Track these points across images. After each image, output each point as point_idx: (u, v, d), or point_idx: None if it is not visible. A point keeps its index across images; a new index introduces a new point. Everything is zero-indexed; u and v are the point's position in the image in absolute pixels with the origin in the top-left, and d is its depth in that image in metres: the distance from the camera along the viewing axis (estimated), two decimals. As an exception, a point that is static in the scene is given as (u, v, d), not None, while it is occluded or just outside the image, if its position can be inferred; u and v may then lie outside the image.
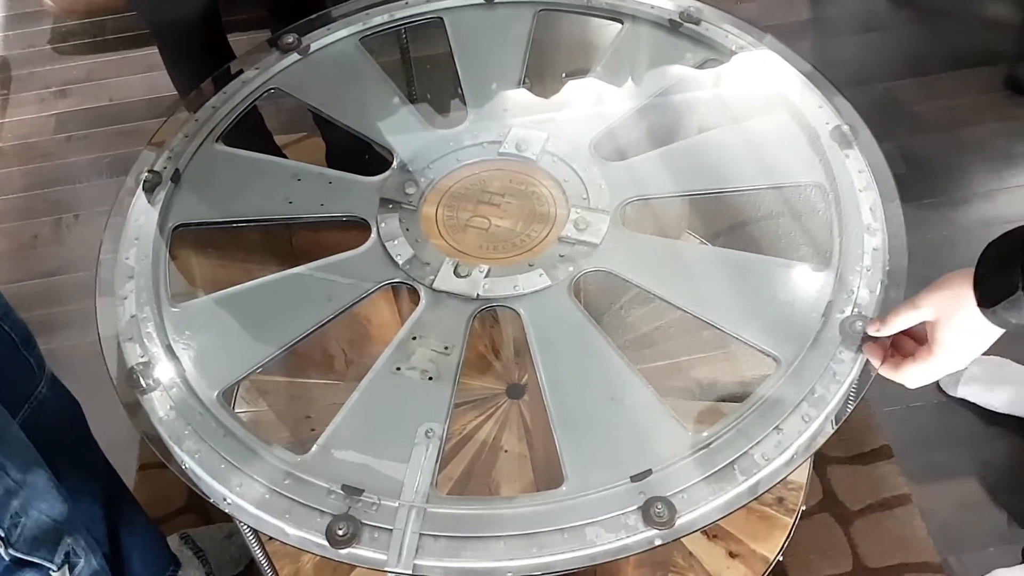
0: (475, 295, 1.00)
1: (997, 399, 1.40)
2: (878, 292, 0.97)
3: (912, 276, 1.56)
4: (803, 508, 1.27)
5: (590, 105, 1.18)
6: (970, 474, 1.36)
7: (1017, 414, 1.39)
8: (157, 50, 1.58)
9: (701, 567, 1.23)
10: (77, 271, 1.76)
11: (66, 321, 1.68)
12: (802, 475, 1.29)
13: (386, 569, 0.83)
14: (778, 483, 0.86)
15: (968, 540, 1.30)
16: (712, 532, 1.26)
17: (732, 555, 1.23)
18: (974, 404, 1.42)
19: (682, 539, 1.25)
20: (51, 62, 2.17)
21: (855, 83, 1.89)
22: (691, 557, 1.23)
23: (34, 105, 2.08)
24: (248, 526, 1.02)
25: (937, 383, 1.45)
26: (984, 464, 1.37)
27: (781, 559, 1.23)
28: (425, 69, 1.35)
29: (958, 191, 1.73)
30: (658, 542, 0.84)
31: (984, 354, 1.40)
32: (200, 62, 1.33)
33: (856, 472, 1.37)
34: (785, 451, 0.87)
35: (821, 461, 1.37)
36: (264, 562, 1.12)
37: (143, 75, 2.07)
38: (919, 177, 1.75)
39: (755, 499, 0.85)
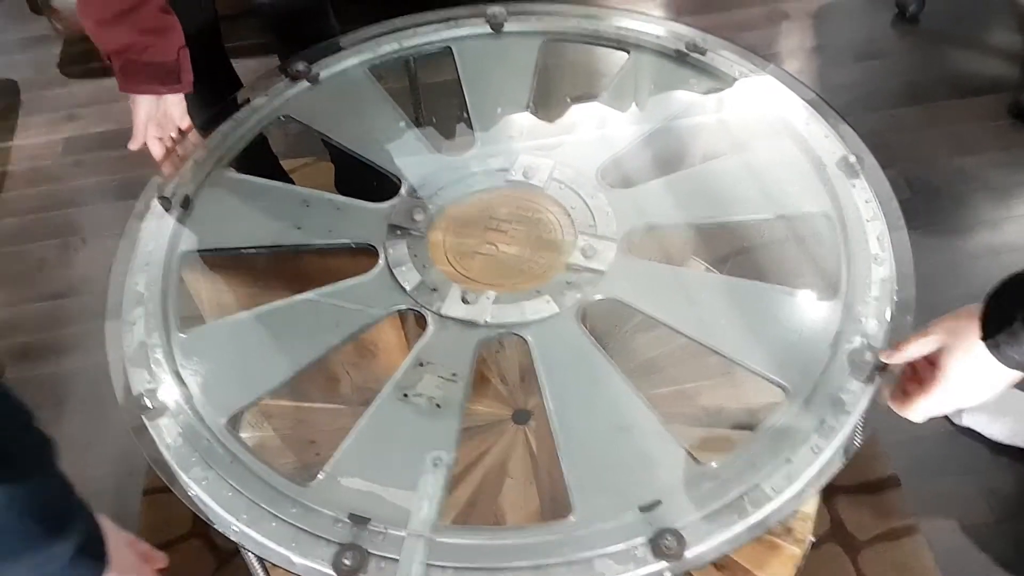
0: (482, 322, 1.00)
1: (999, 430, 1.40)
2: (887, 322, 0.97)
3: (918, 302, 1.56)
4: (812, 540, 1.26)
5: (596, 132, 1.19)
6: (977, 502, 1.36)
7: (1019, 445, 1.39)
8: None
9: (708, 597, 1.22)
10: (83, 294, 1.76)
11: (71, 344, 1.68)
12: (811, 505, 1.28)
13: (393, 599, 0.82)
14: (788, 515, 0.85)
15: (975, 568, 1.29)
16: (720, 562, 1.25)
17: (740, 585, 1.22)
18: (980, 433, 1.41)
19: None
20: (60, 85, 2.19)
21: (859, 110, 1.90)
22: (698, 586, 1.22)
23: (43, 128, 2.09)
24: (254, 555, 1.02)
25: (944, 412, 1.45)
26: (991, 492, 1.36)
27: (789, 589, 1.22)
28: (433, 96, 1.36)
29: (963, 219, 1.73)
30: (667, 574, 0.83)
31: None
32: (201, 86, 1.34)
33: (864, 502, 1.36)
34: (795, 483, 0.87)
35: (829, 490, 1.37)
36: None
37: (151, 99, 2.08)
38: (924, 204, 1.76)
39: (767, 531, 0.84)
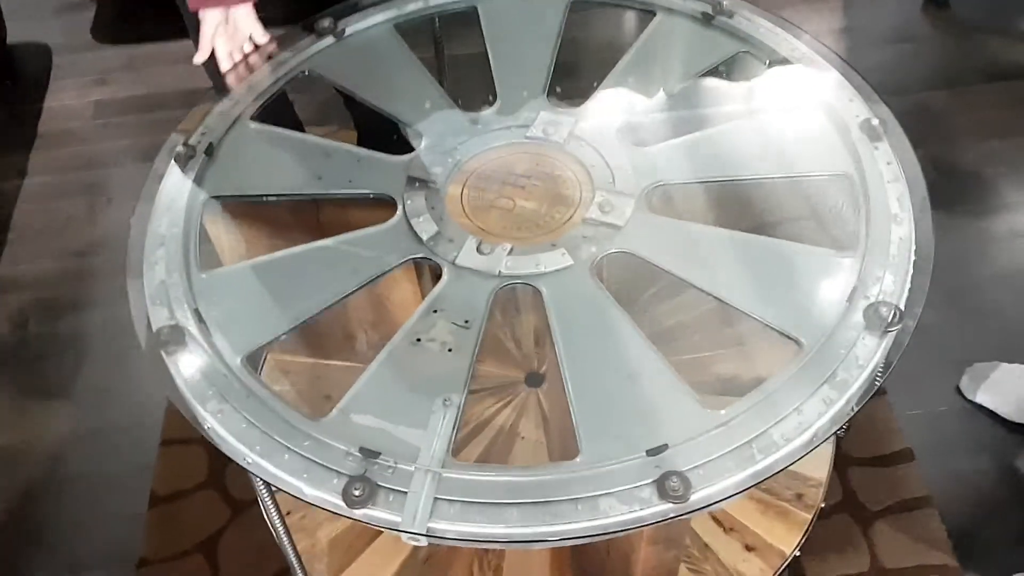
0: (497, 272, 1.01)
1: (1012, 409, 1.39)
2: (904, 279, 0.97)
3: (941, 282, 1.54)
4: (822, 505, 1.26)
5: (620, 92, 1.19)
6: (991, 478, 1.35)
7: (1025, 422, 1.38)
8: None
9: (717, 559, 1.22)
10: (106, 252, 1.79)
11: (93, 299, 1.71)
12: (822, 471, 1.28)
13: (400, 530, 0.83)
14: (798, 460, 0.85)
15: (988, 543, 1.28)
16: (729, 525, 1.25)
17: (748, 548, 1.22)
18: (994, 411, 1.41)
19: (698, 532, 1.25)
20: (91, 50, 2.22)
21: (888, 92, 1.85)
22: (707, 549, 1.22)
23: (74, 91, 2.13)
24: (266, 490, 1.03)
25: (958, 387, 1.44)
26: (1006, 469, 1.35)
27: (798, 555, 1.21)
28: (457, 60, 1.36)
29: (989, 201, 1.72)
30: (671, 514, 0.84)
31: (1010, 362, 1.40)
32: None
33: (877, 474, 1.36)
34: (805, 432, 0.87)
35: (842, 462, 1.36)
36: (282, 532, 1.12)
37: (180, 66, 2.10)
38: (950, 185, 1.74)
39: (773, 476, 0.85)
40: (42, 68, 2.19)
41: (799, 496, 1.26)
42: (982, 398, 1.42)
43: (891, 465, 1.37)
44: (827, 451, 1.31)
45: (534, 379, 1.39)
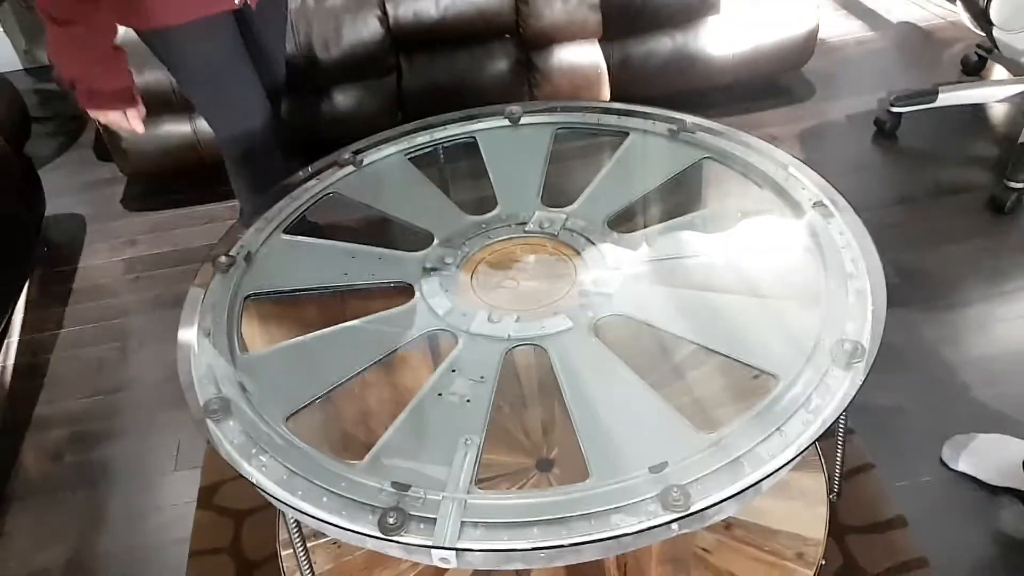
0: (506, 336, 1.14)
1: (992, 473, 1.48)
2: (862, 322, 1.10)
3: (917, 369, 1.68)
4: (822, 563, 1.32)
5: (603, 192, 1.37)
6: (980, 538, 1.41)
7: (1014, 486, 1.46)
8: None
9: (727, 616, 1.27)
10: (137, 388, 1.91)
11: (124, 430, 1.81)
12: (819, 531, 1.35)
13: (432, 546, 0.91)
14: (784, 467, 0.95)
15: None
16: (736, 582, 1.31)
17: (757, 605, 1.27)
18: (976, 478, 1.49)
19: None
20: (121, 218, 2.44)
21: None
22: (716, 606, 1.28)
23: (106, 253, 2.32)
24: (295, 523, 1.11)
25: (940, 458, 1.53)
26: (993, 529, 1.42)
27: (805, 611, 1.26)
28: (461, 180, 1.55)
29: (950, 297, 1.87)
30: (675, 526, 0.93)
31: (984, 432, 1.51)
32: (260, 166, 1.58)
33: (874, 540, 1.42)
34: (788, 448, 0.98)
35: (840, 531, 1.43)
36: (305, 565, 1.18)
37: (204, 225, 2.31)
38: (912, 286, 1.90)
39: (760, 483, 0.94)
40: (77, 235, 2.40)
41: (800, 555, 1.33)
42: (963, 466, 1.51)
43: (886, 531, 1.44)
44: (822, 513, 1.38)
45: (544, 465, 1.48)
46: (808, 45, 2.48)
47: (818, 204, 1.28)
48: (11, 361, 2.03)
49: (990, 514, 1.45)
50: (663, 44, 2.42)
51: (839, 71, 2.66)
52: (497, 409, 1.46)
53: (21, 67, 3.22)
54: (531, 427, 1.55)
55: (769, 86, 2.58)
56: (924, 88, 2.29)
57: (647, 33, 2.40)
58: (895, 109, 2.30)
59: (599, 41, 2.38)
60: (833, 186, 1.34)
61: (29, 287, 2.19)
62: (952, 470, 1.52)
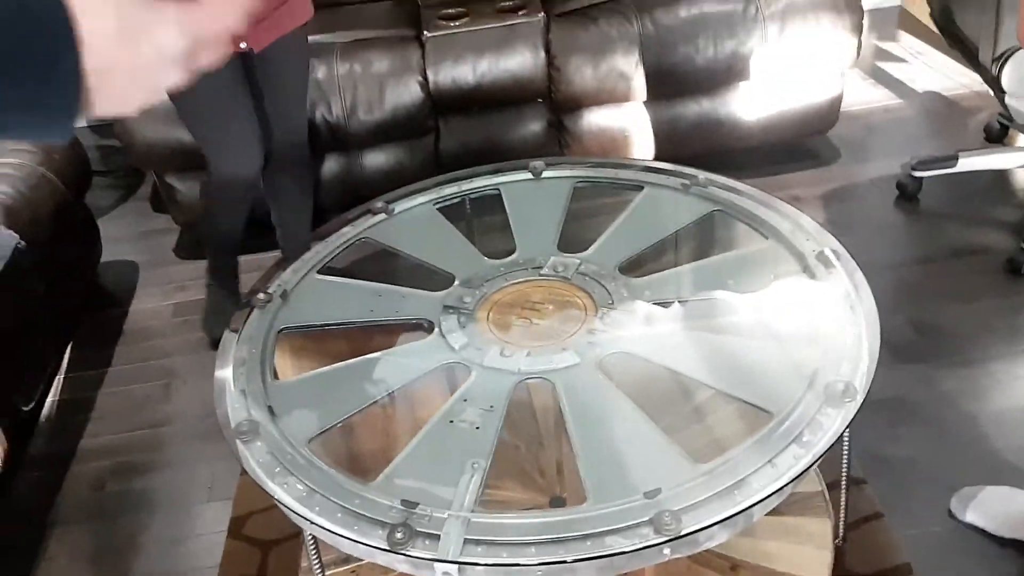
0: (517, 370, 1.21)
1: (1000, 525, 1.49)
2: (856, 363, 1.16)
3: (928, 421, 1.70)
4: (828, 606, 1.35)
5: (616, 240, 1.45)
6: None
7: (1020, 538, 1.47)
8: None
9: (730, 654, 1.30)
10: (179, 423, 2.00)
11: (165, 463, 1.91)
12: (823, 575, 1.38)
13: (436, 559, 0.98)
14: (772, 496, 1.00)
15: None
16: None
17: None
18: (983, 529, 1.51)
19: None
20: (173, 265, 2.58)
21: (866, 268, 2.13)
22: (720, 645, 1.30)
23: (156, 297, 2.45)
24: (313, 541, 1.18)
25: (949, 509, 1.55)
26: (1003, 578, 1.44)
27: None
28: (485, 227, 1.65)
29: (967, 353, 1.90)
30: (666, 550, 0.98)
31: (994, 484, 1.54)
32: (244, 211, 1.91)
33: (882, 588, 1.44)
34: (778, 480, 1.03)
35: (847, 577, 1.46)
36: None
37: (251, 274, 2.43)
38: (929, 342, 1.93)
39: (750, 509, 0.99)
40: (130, 280, 2.54)
41: (806, 597, 1.35)
42: (971, 518, 1.52)
43: (895, 579, 1.46)
44: (827, 557, 1.41)
45: (557, 502, 1.53)
46: (832, 111, 2.55)
47: (820, 254, 1.35)
48: (60, 396, 2.15)
49: (997, 565, 1.46)
50: (691, 108, 2.52)
51: (865, 137, 2.72)
52: (514, 448, 1.54)
53: (85, 124, 3.43)
54: (546, 466, 1.60)
55: (795, 149, 2.65)
56: (945, 154, 2.34)
57: (676, 98, 2.50)
58: (916, 173, 2.36)
59: (628, 104, 2.49)
60: (838, 239, 1.40)
61: (82, 327, 2.32)
62: (960, 521, 1.53)
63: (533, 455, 1.60)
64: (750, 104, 2.50)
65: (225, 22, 0.55)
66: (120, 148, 2.56)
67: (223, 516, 1.72)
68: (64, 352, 2.21)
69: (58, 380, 2.18)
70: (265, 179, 2.05)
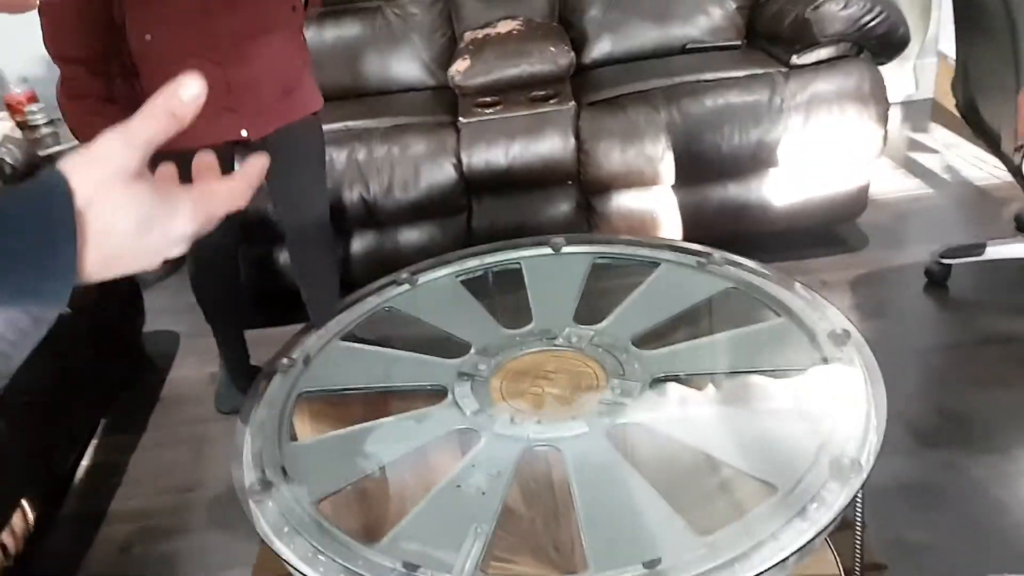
0: (526, 437, 1.23)
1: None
2: (863, 440, 1.16)
3: (955, 508, 1.67)
4: None
5: (631, 313, 1.48)
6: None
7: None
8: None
9: None
10: (206, 488, 2.04)
11: (192, 526, 1.94)
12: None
13: (433, 620, 0.99)
14: (771, 569, 1.00)
15: None
16: None
17: None
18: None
19: None
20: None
21: (894, 353, 2.12)
22: None
23: (195, 367, 2.53)
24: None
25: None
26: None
27: None
28: (504, 299, 1.69)
29: (994, 440, 1.86)
30: (664, 619, 0.98)
31: (1020, 574, 1.50)
32: (222, 281, 2.07)
33: None
34: (780, 553, 1.02)
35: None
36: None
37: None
38: (955, 428, 1.90)
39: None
40: (170, 349, 2.63)
41: None
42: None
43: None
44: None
45: (571, 578, 1.52)
46: (860, 199, 2.58)
47: (832, 333, 1.36)
48: (95, 459, 2.21)
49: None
50: (718, 193, 2.57)
51: (894, 224, 2.74)
52: (530, 522, 1.54)
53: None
54: (562, 541, 1.60)
55: (823, 235, 2.68)
56: (973, 242, 2.35)
57: (703, 183, 2.56)
58: (945, 261, 2.36)
59: (655, 188, 2.55)
60: (865, 324, 1.42)
61: (121, 393, 2.40)
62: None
63: (550, 530, 1.60)
64: (777, 190, 2.54)
65: (235, 204, 0.61)
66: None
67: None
68: (102, 417, 2.28)
69: (94, 444, 2.25)
70: (291, 256, 2.15)
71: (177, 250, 0.58)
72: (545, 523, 1.60)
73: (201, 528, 1.93)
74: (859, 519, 1.33)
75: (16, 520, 1.74)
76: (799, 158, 2.50)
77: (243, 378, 2.26)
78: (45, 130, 2.81)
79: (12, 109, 2.83)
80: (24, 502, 1.76)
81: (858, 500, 1.32)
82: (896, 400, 1.96)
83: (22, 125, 2.71)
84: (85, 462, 2.18)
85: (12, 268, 0.50)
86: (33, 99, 2.86)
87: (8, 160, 2.25)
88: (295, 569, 1.09)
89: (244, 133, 1.86)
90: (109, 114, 1.75)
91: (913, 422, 1.91)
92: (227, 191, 0.61)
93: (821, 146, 2.48)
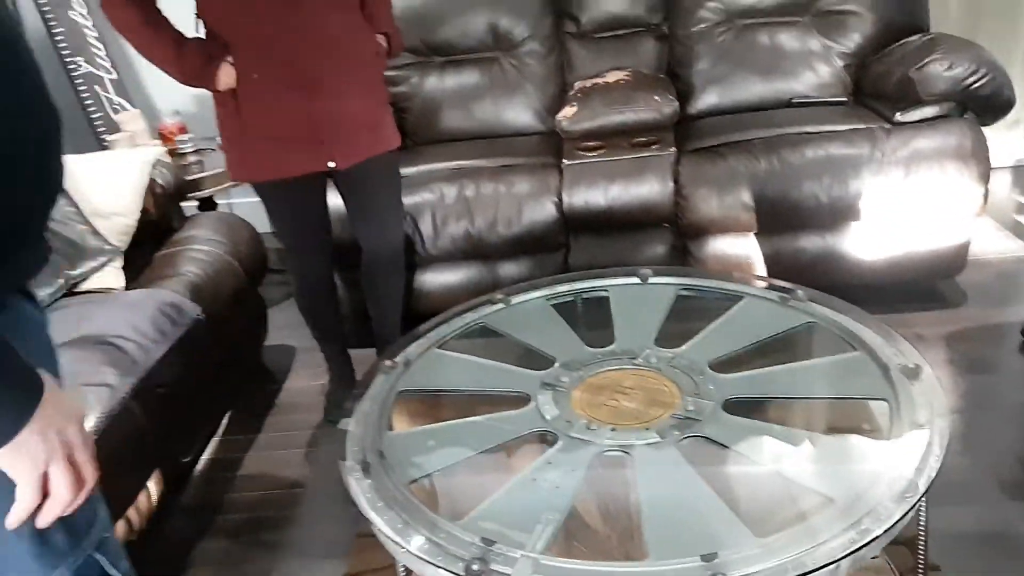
0: (600, 442, 1.34)
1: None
2: (922, 464, 1.21)
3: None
4: None
5: (711, 341, 1.57)
6: None
7: None
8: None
9: None
10: (311, 487, 2.21)
11: (293, 519, 2.10)
12: None
13: (503, 590, 1.10)
14: (820, 570, 1.07)
15: None
16: None
17: None
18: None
19: None
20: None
21: (980, 406, 2.11)
22: None
23: (309, 378, 2.73)
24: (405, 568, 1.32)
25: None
26: None
27: None
28: (590, 322, 1.80)
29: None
30: (717, 608, 1.06)
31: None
32: (323, 304, 2.34)
33: None
34: (832, 559, 1.09)
35: None
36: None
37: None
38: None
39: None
40: (287, 362, 2.84)
41: None
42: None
43: None
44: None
45: None
46: (959, 257, 2.57)
47: (904, 367, 1.41)
48: (214, 455, 2.42)
49: None
50: (814, 242, 2.61)
51: (994, 283, 2.71)
52: (606, 538, 1.63)
53: (268, 230, 3.90)
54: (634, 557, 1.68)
55: (920, 290, 2.68)
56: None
57: (799, 232, 2.61)
58: (1045, 319, 2.34)
59: (752, 234, 2.61)
60: (958, 378, 1.46)
61: (241, 397, 2.62)
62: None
63: (623, 548, 1.68)
64: (873, 243, 2.57)
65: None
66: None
67: (338, 572, 1.87)
68: (223, 416, 2.49)
69: (214, 441, 2.46)
70: (363, 278, 2.36)
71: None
72: (620, 541, 1.69)
73: (304, 522, 2.09)
74: (921, 544, 1.37)
75: (142, 499, 1.94)
76: (898, 213, 2.52)
77: (347, 391, 2.44)
78: (192, 158, 3.12)
79: (164, 137, 3.16)
80: (150, 484, 1.96)
81: (920, 523, 1.36)
82: (985, 452, 1.97)
83: (172, 152, 3.02)
84: (206, 455, 2.39)
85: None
86: (183, 130, 3.19)
87: (160, 181, 2.53)
88: (387, 537, 1.22)
89: (332, 164, 2.06)
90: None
91: (1000, 474, 1.90)
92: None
93: (920, 202, 2.50)
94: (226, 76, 1.95)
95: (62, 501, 0.81)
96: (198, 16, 1.98)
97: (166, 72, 1.99)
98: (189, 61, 1.94)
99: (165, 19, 1.97)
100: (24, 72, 0.79)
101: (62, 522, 0.86)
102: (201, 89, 2.02)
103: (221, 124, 2.07)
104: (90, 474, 0.84)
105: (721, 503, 1.19)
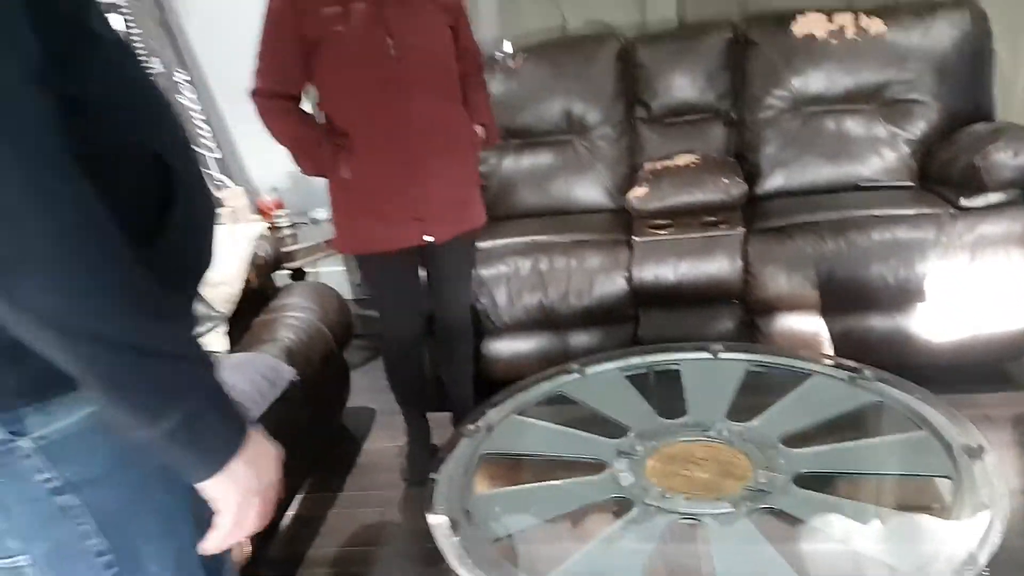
0: (674, 510, 1.42)
1: None
2: (984, 542, 1.27)
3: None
4: None
5: (781, 416, 1.65)
6: None
7: None
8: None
9: None
10: (390, 545, 2.32)
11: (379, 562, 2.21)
12: None
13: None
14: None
15: None
16: None
17: None
18: None
19: None
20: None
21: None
22: None
23: (388, 440, 2.85)
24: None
25: None
26: None
27: None
28: (663, 394, 1.89)
29: None
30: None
31: None
32: (410, 369, 2.39)
33: None
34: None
35: None
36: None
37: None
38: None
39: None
40: (367, 423, 2.98)
41: None
42: None
43: None
44: None
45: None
46: (1026, 340, 2.61)
47: (967, 447, 1.47)
48: (298, 511, 2.55)
49: None
50: (881, 322, 2.67)
51: (1066, 365, 2.72)
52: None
53: (352, 296, 4.09)
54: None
55: (990, 371, 2.69)
56: None
57: (866, 311, 2.67)
58: (1119, 403, 2.34)
59: (819, 313, 2.69)
60: (986, 436, 1.52)
61: (324, 457, 2.76)
62: None
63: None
64: (940, 324, 2.61)
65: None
66: (374, 318, 3.09)
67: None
68: (307, 475, 2.63)
69: (298, 498, 2.59)
70: (436, 345, 2.50)
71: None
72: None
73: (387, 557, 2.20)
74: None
75: (236, 551, 2.08)
76: (964, 295, 2.57)
77: (425, 453, 2.56)
78: (287, 231, 3.34)
79: (263, 212, 3.39)
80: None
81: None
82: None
83: (270, 227, 3.24)
84: (291, 511, 2.53)
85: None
86: (280, 205, 3.42)
87: (261, 253, 2.74)
88: (471, 593, 1.33)
89: (428, 238, 2.22)
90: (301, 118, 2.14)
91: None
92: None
93: (986, 285, 2.55)
94: (346, 166, 2.15)
95: (249, 530, 0.86)
96: (319, 107, 2.19)
97: (299, 165, 2.19)
98: (323, 157, 2.15)
99: (311, 118, 2.17)
100: (196, 162, 0.95)
101: (205, 559, 0.96)
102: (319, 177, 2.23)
103: (334, 202, 2.25)
104: (272, 508, 0.89)
105: (786, 565, 1.27)
